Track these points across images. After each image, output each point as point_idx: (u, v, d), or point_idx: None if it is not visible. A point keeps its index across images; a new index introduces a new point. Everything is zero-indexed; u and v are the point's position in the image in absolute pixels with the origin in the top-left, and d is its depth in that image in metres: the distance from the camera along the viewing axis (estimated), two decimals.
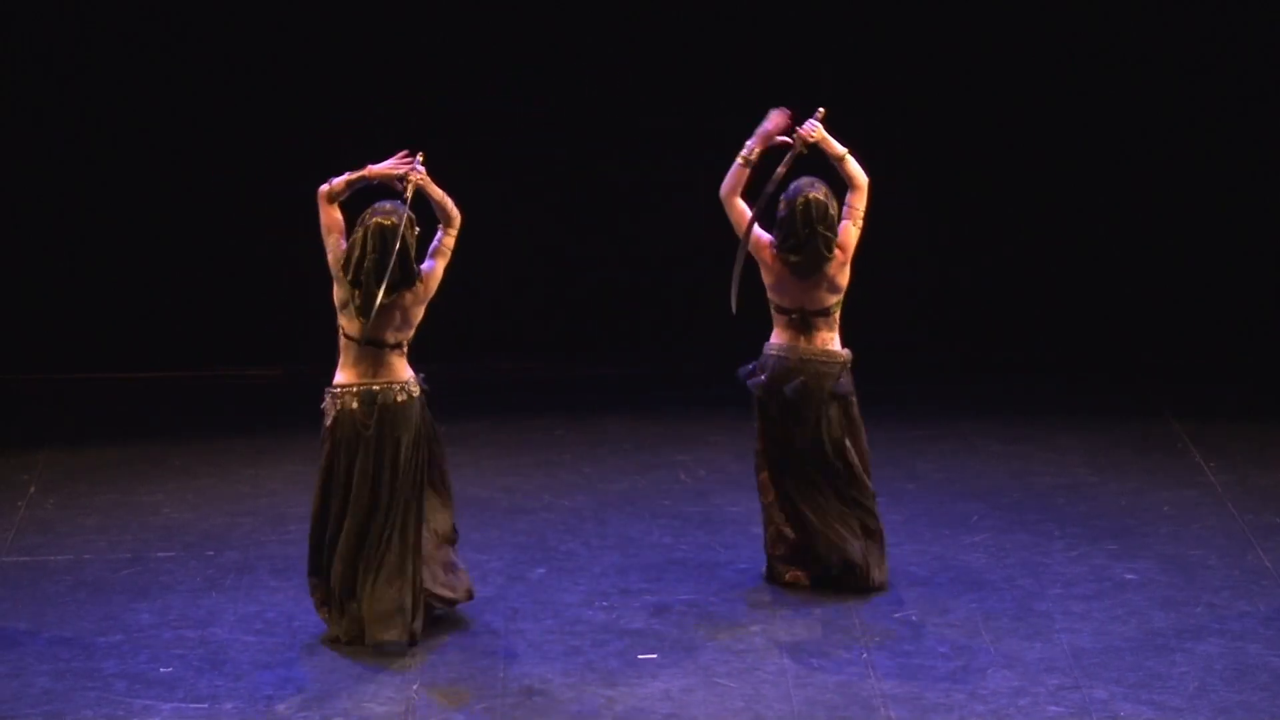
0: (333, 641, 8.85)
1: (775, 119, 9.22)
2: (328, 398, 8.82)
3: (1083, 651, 8.73)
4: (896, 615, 9.12)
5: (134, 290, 12.58)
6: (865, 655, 8.71)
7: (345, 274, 8.69)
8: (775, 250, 9.15)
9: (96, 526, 10.30)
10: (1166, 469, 11.05)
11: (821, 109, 9.16)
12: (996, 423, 11.86)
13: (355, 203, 8.80)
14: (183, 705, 8.30)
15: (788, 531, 9.35)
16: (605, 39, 12.55)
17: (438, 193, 8.83)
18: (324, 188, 8.77)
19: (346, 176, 8.78)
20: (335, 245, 8.76)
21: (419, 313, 8.81)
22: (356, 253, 8.66)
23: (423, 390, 8.87)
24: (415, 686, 8.48)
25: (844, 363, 9.25)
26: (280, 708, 8.28)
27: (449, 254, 8.85)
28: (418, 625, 8.85)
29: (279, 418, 11.98)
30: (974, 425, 11.81)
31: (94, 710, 8.26)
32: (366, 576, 8.82)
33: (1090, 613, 9.14)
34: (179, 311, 12.63)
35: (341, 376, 8.80)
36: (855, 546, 9.25)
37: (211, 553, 9.94)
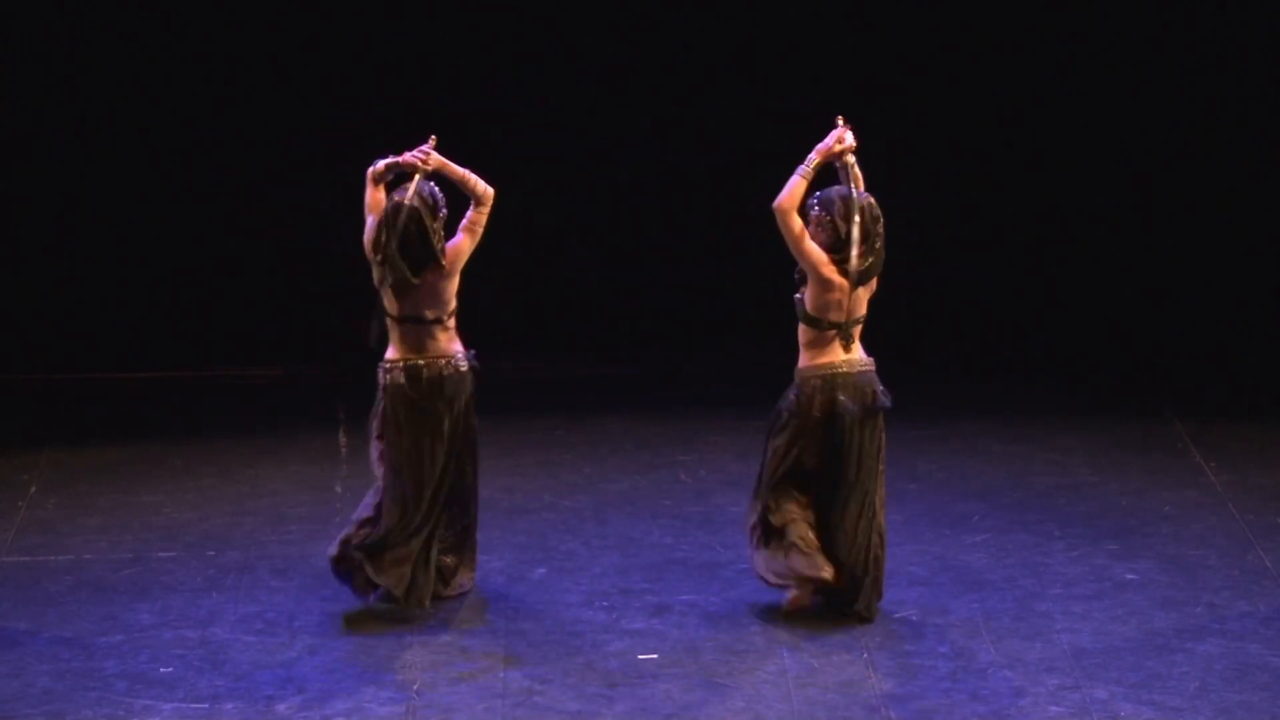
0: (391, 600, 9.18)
1: (839, 133, 9.01)
2: (379, 372, 9.21)
3: (1083, 651, 8.73)
4: (897, 615, 9.12)
5: (134, 290, 12.59)
6: (866, 655, 8.71)
7: (375, 254, 9.07)
8: (842, 263, 8.87)
9: (97, 526, 10.30)
10: (1167, 469, 11.05)
11: (841, 116, 8.99)
12: (997, 423, 11.86)
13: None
14: (183, 705, 8.31)
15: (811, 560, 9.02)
16: (605, 39, 12.54)
17: (457, 173, 9.22)
18: (370, 169, 9.21)
19: (387, 161, 9.18)
20: (371, 226, 9.12)
21: (450, 287, 9.15)
22: (382, 234, 9.03)
23: (471, 367, 9.30)
24: (416, 686, 8.48)
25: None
26: (280, 708, 8.29)
27: (478, 230, 9.20)
28: (424, 590, 9.20)
29: (279, 418, 11.98)
30: (974, 425, 11.81)
31: (94, 710, 8.26)
32: (423, 553, 9.24)
33: (1091, 613, 9.14)
34: (179, 311, 12.64)
35: (392, 352, 9.19)
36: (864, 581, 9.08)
37: (212, 553, 9.95)
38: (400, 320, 9.12)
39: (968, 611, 9.17)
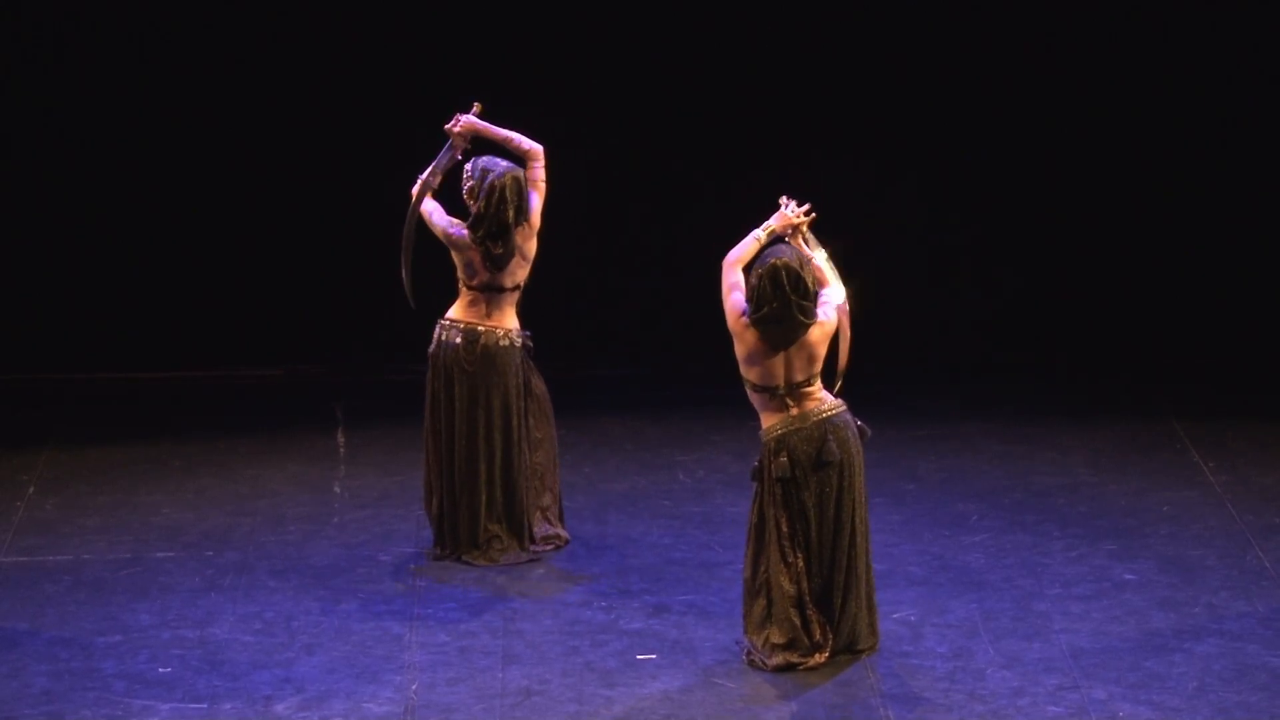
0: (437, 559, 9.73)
1: (782, 213, 8.74)
2: (437, 327, 9.65)
3: (1082, 651, 8.73)
4: (896, 615, 9.12)
5: (135, 290, 12.58)
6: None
7: (477, 232, 9.46)
8: (748, 321, 8.53)
9: (96, 527, 10.30)
10: (1166, 469, 11.05)
11: (807, 205, 8.77)
12: (996, 423, 11.84)
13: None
14: (181, 705, 8.31)
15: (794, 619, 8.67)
16: (605, 41, 12.53)
17: (498, 134, 9.68)
18: (418, 186, 9.65)
19: (432, 167, 9.66)
20: (447, 223, 9.55)
21: (532, 247, 9.64)
22: (491, 211, 9.48)
23: (525, 344, 9.72)
24: (415, 686, 8.49)
25: (846, 408, 8.72)
26: (279, 708, 8.29)
27: (542, 185, 9.66)
28: (511, 550, 9.70)
29: (279, 418, 11.98)
30: (974, 425, 11.79)
31: (93, 710, 8.27)
32: (466, 508, 9.64)
33: (1089, 613, 9.14)
34: (180, 311, 12.63)
35: (454, 312, 9.66)
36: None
37: (211, 553, 9.95)
38: (480, 289, 9.60)
39: (966, 611, 9.17)
